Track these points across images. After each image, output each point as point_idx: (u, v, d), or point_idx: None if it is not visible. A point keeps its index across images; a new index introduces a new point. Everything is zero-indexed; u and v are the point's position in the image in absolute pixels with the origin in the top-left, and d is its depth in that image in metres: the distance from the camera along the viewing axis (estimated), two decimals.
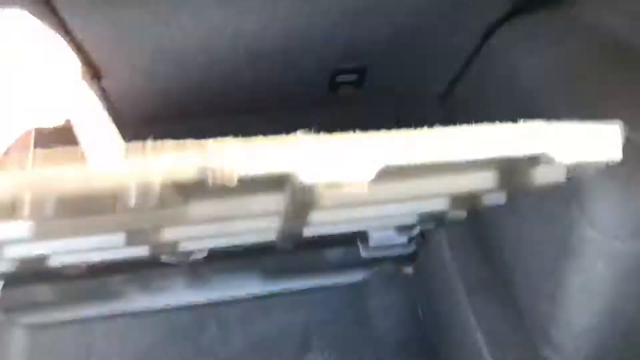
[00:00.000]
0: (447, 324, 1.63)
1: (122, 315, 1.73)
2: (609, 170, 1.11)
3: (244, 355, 1.68)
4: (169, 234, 0.96)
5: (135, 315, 1.73)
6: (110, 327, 1.72)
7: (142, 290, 1.74)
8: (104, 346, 1.70)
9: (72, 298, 1.70)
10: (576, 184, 1.15)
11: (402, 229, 1.50)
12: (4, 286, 1.51)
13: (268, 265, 1.76)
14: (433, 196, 0.96)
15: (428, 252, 1.69)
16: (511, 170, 0.85)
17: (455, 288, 1.52)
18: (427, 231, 1.60)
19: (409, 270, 1.84)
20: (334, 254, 1.76)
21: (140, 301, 1.74)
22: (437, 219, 1.29)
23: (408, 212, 1.12)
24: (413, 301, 1.81)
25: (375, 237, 1.52)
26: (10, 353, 1.65)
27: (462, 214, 1.33)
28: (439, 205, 1.04)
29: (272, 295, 1.79)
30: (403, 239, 1.56)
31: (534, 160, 0.71)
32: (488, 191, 0.95)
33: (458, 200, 1.03)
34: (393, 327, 1.76)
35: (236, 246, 1.52)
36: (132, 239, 0.94)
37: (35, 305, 1.68)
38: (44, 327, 1.70)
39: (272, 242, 1.54)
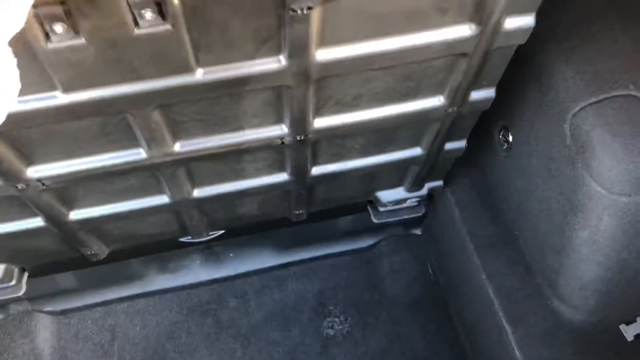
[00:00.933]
0: (457, 281, 1.70)
1: (143, 296, 1.78)
2: (613, 128, 1.15)
3: (263, 326, 1.75)
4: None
5: (155, 295, 1.79)
6: (132, 308, 1.77)
7: (161, 270, 1.79)
8: (128, 327, 1.75)
9: (94, 283, 1.74)
10: (582, 142, 1.19)
11: (411, 185, 1.53)
12: (29, 277, 1.56)
13: (281, 237, 1.80)
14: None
15: (436, 214, 1.74)
16: None
17: (464, 246, 1.57)
18: (435, 192, 1.64)
19: (418, 231, 1.89)
20: (345, 222, 1.80)
21: (159, 281, 1.79)
22: (437, 145, 1.32)
23: (405, 111, 1.16)
24: (423, 262, 1.87)
25: (385, 198, 1.55)
26: (38, 340, 1.71)
27: (460, 144, 1.36)
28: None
29: (286, 266, 1.84)
30: (412, 200, 1.60)
31: None
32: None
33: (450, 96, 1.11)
34: (405, 287, 1.83)
35: (250, 223, 1.57)
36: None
37: (60, 293, 1.72)
38: (69, 313, 1.75)
39: (284, 217, 1.59)
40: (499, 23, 0.96)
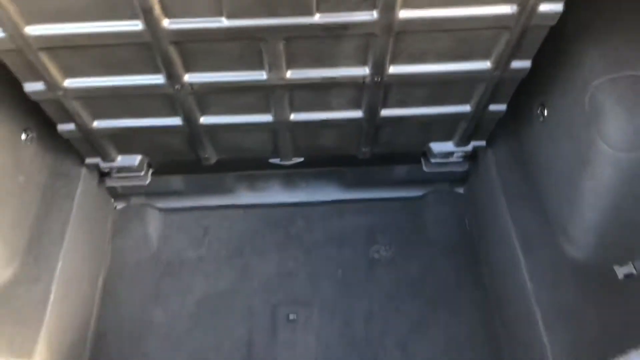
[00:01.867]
0: (487, 230, 2.04)
1: (233, 207, 2.23)
2: (621, 99, 1.47)
3: (322, 244, 2.16)
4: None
5: (242, 207, 2.24)
6: (222, 215, 2.22)
7: (249, 189, 2.24)
8: (217, 229, 2.20)
9: (196, 190, 2.20)
10: (596, 109, 1.52)
11: (459, 140, 1.88)
12: (152, 173, 2.03)
13: (346, 177, 2.21)
14: None
15: (477, 174, 2.09)
16: None
17: (497, 199, 1.92)
18: (479, 151, 1.98)
19: (460, 190, 2.25)
20: (401, 171, 2.18)
21: (247, 197, 2.24)
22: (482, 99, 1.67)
23: (459, 69, 1.51)
24: (461, 215, 2.22)
25: (436, 149, 1.92)
26: (149, 227, 2.19)
27: (502, 107, 1.70)
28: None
29: (347, 202, 2.25)
30: (459, 155, 1.95)
31: None
32: None
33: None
34: (443, 234, 2.19)
35: (325, 155, 1.97)
36: None
37: (170, 194, 2.19)
38: (174, 211, 2.23)
39: (352, 156, 1.98)
40: (535, 5, 1.32)
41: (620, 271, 1.62)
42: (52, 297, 1.66)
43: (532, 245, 1.78)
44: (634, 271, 1.56)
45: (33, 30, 1.31)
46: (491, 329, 1.95)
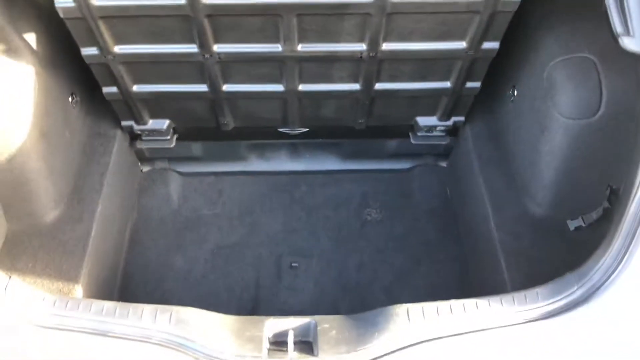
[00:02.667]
0: (464, 195, 2.35)
1: (244, 173, 2.55)
2: (571, 76, 1.80)
3: (321, 206, 2.47)
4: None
5: (253, 174, 2.55)
6: (235, 180, 2.54)
7: (259, 157, 2.56)
8: (230, 192, 2.52)
9: (213, 157, 2.52)
10: (552, 84, 1.85)
11: (441, 114, 2.20)
12: (177, 139, 2.34)
13: (344, 149, 2.52)
14: None
15: (458, 148, 2.41)
16: None
17: (472, 166, 2.23)
18: (459, 128, 2.31)
19: (443, 164, 2.57)
20: (391, 145, 2.49)
21: (257, 164, 2.56)
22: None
23: (439, 48, 1.83)
24: (444, 185, 2.54)
25: (422, 122, 2.24)
26: (170, 188, 2.50)
27: (476, 84, 2.03)
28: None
29: (344, 172, 2.57)
30: (441, 129, 2.28)
31: None
32: None
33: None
34: (427, 200, 2.50)
35: (326, 125, 2.29)
36: None
37: (189, 159, 2.51)
38: (192, 175, 2.54)
39: (350, 127, 2.29)
40: None
41: (572, 224, 1.93)
42: (92, 234, 1.96)
43: (500, 203, 2.09)
44: (583, 224, 1.88)
45: (96, 1, 1.64)
46: (465, 278, 2.25)
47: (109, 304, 1.37)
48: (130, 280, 2.24)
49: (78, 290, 1.80)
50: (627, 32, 1.39)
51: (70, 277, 1.83)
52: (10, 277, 1.40)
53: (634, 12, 1.40)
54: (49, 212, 1.93)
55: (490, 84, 2.16)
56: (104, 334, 1.32)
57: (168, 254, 2.32)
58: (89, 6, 1.64)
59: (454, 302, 1.37)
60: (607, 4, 1.42)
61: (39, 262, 1.82)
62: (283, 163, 2.56)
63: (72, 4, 1.63)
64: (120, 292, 2.19)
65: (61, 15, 1.67)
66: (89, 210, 2.02)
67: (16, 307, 1.35)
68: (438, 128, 2.29)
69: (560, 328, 1.34)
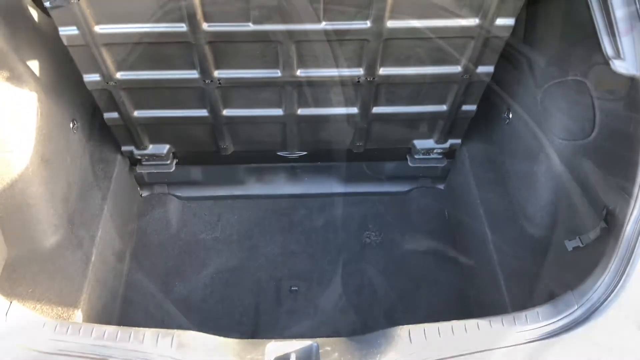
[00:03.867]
0: (463, 216, 2.37)
1: (243, 197, 2.56)
2: (562, 99, 1.84)
3: (321, 229, 2.48)
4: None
5: (251, 198, 2.57)
6: (234, 204, 2.55)
7: (258, 181, 2.57)
8: (229, 215, 2.53)
9: (211, 182, 2.53)
10: (545, 108, 1.88)
11: (438, 137, 2.23)
12: (176, 164, 2.36)
13: (343, 173, 2.54)
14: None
15: (455, 171, 2.43)
16: None
17: (470, 190, 2.26)
18: (456, 150, 2.34)
19: (441, 186, 2.59)
20: (390, 168, 2.52)
21: (256, 189, 2.57)
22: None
23: (435, 72, 1.86)
24: (442, 207, 2.55)
25: (419, 145, 2.27)
26: (169, 212, 2.51)
27: (472, 107, 2.06)
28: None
29: (343, 195, 2.58)
30: (439, 151, 2.30)
31: None
32: None
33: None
34: (426, 222, 2.52)
35: (325, 149, 2.32)
36: None
37: (188, 183, 2.52)
38: (191, 199, 2.55)
39: (348, 150, 2.32)
40: (492, 20, 1.70)
41: (569, 245, 1.94)
42: (92, 258, 1.97)
43: (498, 224, 2.11)
44: (581, 244, 1.89)
45: (100, 29, 1.67)
46: (465, 299, 2.25)
47: (110, 328, 1.37)
48: (130, 305, 2.23)
49: (78, 315, 1.79)
50: (618, 55, 1.43)
51: (70, 302, 1.83)
52: (11, 302, 1.40)
53: (623, 36, 1.44)
54: (49, 237, 1.93)
55: (486, 106, 2.20)
56: (105, 359, 1.32)
57: (167, 278, 2.32)
58: (92, 34, 1.68)
59: (455, 323, 1.38)
60: (597, 28, 1.47)
61: (38, 287, 1.82)
62: (282, 186, 2.58)
63: (76, 32, 1.67)
64: (120, 317, 2.18)
65: (65, 42, 1.70)
66: (89, 235, 2.03)
67: (18, 333, 1.35)
68: (435, 150, 2.32)
69: (562, 347, 1.34)
